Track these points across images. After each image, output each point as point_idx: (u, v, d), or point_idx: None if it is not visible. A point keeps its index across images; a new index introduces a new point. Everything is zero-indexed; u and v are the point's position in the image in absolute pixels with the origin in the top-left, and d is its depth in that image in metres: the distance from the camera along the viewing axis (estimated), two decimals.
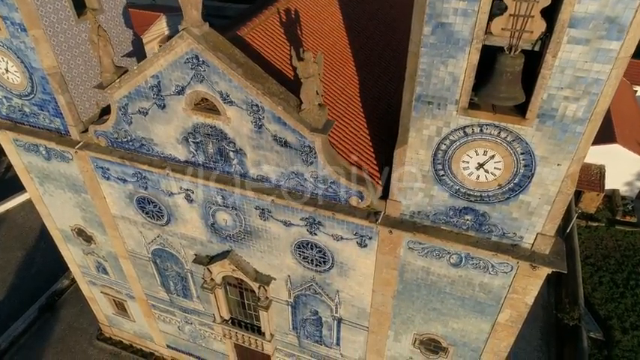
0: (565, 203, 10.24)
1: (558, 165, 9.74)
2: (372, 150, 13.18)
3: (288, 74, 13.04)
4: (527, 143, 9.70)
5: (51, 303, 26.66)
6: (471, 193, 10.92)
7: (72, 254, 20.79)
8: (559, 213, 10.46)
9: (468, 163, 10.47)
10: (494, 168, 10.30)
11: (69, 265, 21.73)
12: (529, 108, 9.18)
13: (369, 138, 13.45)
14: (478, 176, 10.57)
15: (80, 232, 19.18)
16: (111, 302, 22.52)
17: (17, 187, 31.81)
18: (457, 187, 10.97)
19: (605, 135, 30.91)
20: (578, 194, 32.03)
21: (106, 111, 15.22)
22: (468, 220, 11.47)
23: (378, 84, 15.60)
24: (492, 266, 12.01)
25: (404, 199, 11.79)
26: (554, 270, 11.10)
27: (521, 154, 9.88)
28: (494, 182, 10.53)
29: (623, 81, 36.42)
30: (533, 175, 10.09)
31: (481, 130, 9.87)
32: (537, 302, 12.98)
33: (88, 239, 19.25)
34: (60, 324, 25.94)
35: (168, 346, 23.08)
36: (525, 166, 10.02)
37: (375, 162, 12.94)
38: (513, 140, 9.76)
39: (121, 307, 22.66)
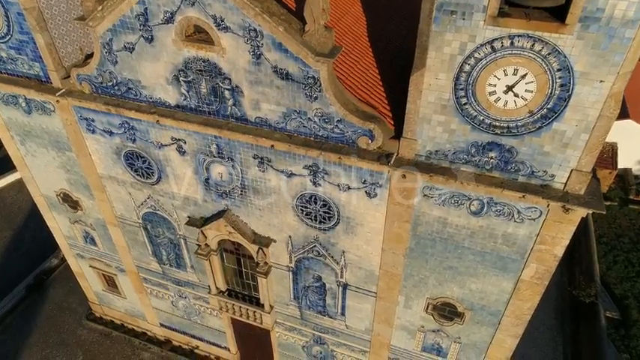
0: (606, 130, 8.97)
1: (601, 82, 8.48)
2: (382, 89, 11.93)
3: (290, 5, 11.76)
4: (565, 56, 8.43)
5: (39, 282, 25.40)
6: (497, 123, 9.65)
7: (58, 224, 19.50)
8: (598, 143, 9.19)
9: (494, 86, 9.20)
10: (526, 90, 9.03)
11: (55, 238, 20.43)
12: (570, 10, 7.91)
13: (378, 77, 12.19)
14: (506, 102, 9.30)
15: (66, 198, 17.88)
16: (100, 277, 21.23)
17: (6, 168, 30.64)
18: (481, 118, 9.70)
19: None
20: None
21: (90, 57, 13.91)
22: (492, 157, 10.19)
23: (389, 27, 14.31)
24: (518, 212, 10.73)
25: (420, 136, 10.52)
26: (590, 212, 9.84)
27: (558, 70, 8.62)
28: (524, 109, 9.26)
29: None
30: (570, 96, 8.82)
31: (512, 44, 8.60)
32: (550, 280, 11.77)
33: (75, 205, 17.95)
34: (48, 304, 24.67)
35: (161, 325, 21.80)
36: (562, 85, 8.75)
37: (385, 101, 11.68)
38: (549, 54, 8.49)
39: (111, 283, 21.37)
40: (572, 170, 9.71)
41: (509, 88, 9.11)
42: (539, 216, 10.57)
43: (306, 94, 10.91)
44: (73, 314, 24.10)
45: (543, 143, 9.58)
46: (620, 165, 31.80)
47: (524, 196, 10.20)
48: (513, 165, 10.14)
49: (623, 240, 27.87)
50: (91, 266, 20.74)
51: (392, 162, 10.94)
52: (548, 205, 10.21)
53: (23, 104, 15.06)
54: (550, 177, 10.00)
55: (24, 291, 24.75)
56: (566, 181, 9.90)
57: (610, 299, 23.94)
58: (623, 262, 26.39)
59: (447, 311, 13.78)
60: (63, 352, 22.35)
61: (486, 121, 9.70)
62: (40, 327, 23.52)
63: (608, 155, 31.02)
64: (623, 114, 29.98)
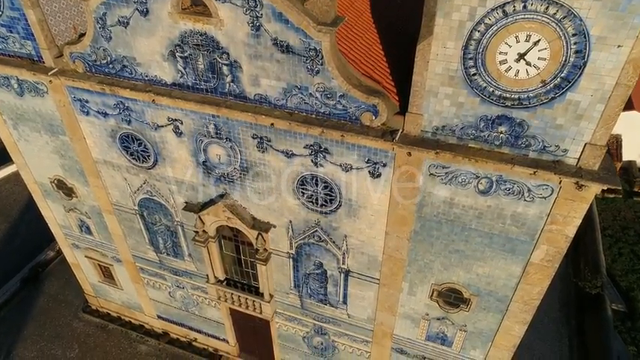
0: (623, 100, 8.54)
1: (619, 47, 8.04)
2: (386, 65, 11.50)
3: None
4: (581, 20, 7.99)
5: (34, 275, 24.96)
6: (508, 95, 9.20)
7: (53, 213, 19.04)
8: (614, 114, 8.75)
9: (505, 54, 8.77)
10: (538, 58, 8.59)
11: (50, 227, 19.99)
12: None
13: (382, 53, 11.76)
14: (518, 71, 8.86)
15: (60, 185, 17.42)
16: (96, 268, 20.78)
17: (2, 161, 30.18)
18: (491, 89, 9.26)
19: None
20: None
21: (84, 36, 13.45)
22: (501, 132, 9.75)
23: (393, 3, 13.88)
24: (528, 190, 10.29)
25: (426, 111, 10.07)
26: (605, 188, 9.40)
27: (573, 35, 8.18)
28: (536, 78, 8.82)
29: None
30: (585, 63, 8.38)
31: (524, 7, 8.16)
32: (555, 272, 11.35)
33: (69, 192, 17.50)
34: (43, 296, 24.22)
35: (158, 317, 21.35)
36: (577, 52, 8.31)
37: (390, 77, 11.24)
38: (564, 17, 8.05)
39: (107, 274, 20.92)
40: (586, 144, 9.27)
41: (521, 56, 8.68)
42: (551, 194, 10.13)
43: (307, 67, 10.47)
44: (69, 307, 23.65)
45: (556, 115, 9.14)
46: (625, 157, 31.40)
47: (535, 172, 9.76)
48: (524, 140, 9.70)
49: (628, 232, 27.45)
50: (86, 256, 20.29)
51: (397, 138, 10.50)
52: (560, 182, 9.77)
53: (15, 86, 14.61)
54: (562, 152, 9.56)
55: (19, 283, 24.31)
56: (580, 156, 9.46)
57: (616, 291, 23.51)
58: (629, 255, 25.96)
59: (452, 298, 13.34)
60: (58, 344, 21.90)
61: (496, 92, 9.26)
62: (36, 320, 23.06)
63: (612, 147, 30.58)
64: (628, 105, 29.55)
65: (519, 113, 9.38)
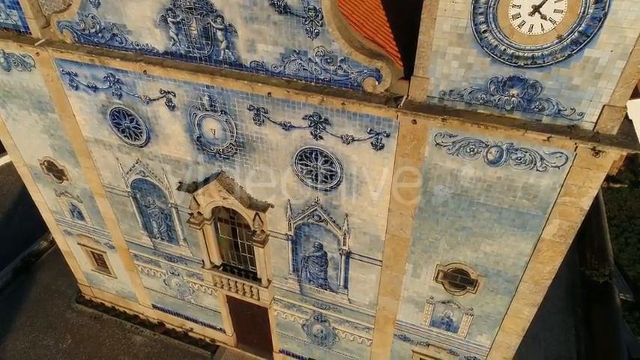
0: None
1: None
2: (389, 29, 10.90)
3: None
4: None
5: (27, 265, 24.32)
6: (521, 53, 8.60)
7: (43, 197, 18.42)
8: (636, 71, 8.16)
9: (519, 7, 8.16)
10: (554, 11, 7.99)
11: (41, 213, 19.38)
12: None
13: (386, 18, 11.15)
14: (532, 26, 8.26)
15: (50, 167, 16.81)
16: (89, 256, 20.16)
17: None
18: (502, 48, 8.65)
19: None
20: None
21: None
22: (513, 96, 9.15)
23: None
24: (541, 159, 9.69)
25: (432, 74, 9.47)
26: (625, 152, 8.81)
27: None
28: (552, 33, 8.22)
29: None
30: (606, 15, 7.78)
31: None
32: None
33: (60, 175, 16.88)
34: (36, 287, 23.59)
35: (154, 306, 20.74)
36: (596, 2, 7.71)
37: (393, 42, 10.64)
38: None
39: (100, 262, 20.31)
40: (604, 106, 8.67)
41: (536, 9, 8.07)
42: (565, 162, 9.53)
43: (306, 29, 9.87)
44: (62, 297, 23.02)
45: (572, 75, 8.54)
46: None
47: (549, 138, 9.16)
48: (537, 104, 9.10)
49: (634, 222, 26.84)
50: (79, 244, 19.67)
51: (401, 105, 9.90)
52: (575, 149, 9.18)
53: (1, 60, 13.99)
54: (578, 115, 8.96)
55: (11, 274, 23.66)
56: (597, 120, 8.87)
57: (623, 281, 22.92)
58: (636, 245, 25.36)
59: (458, 279, 12.74)
60: (51, 335, 21.28)
61: (508, 51, 8.65)
62: (28, 310, 22.44)
63: None
64: (635, 93, 28.92)
65: (533, 74, 8.78)
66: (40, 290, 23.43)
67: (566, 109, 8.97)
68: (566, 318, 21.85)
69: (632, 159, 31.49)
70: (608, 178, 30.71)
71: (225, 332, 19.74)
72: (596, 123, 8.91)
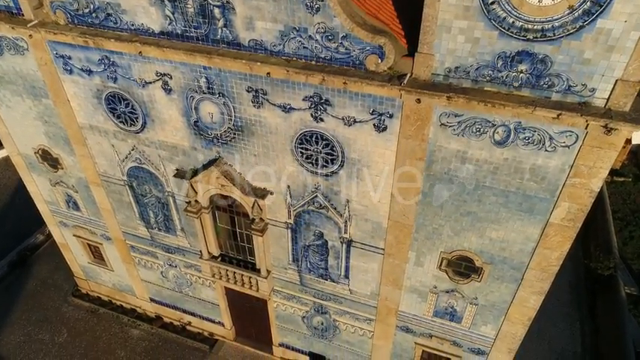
0: None
1: None
2: (392, 6, 10.54)
3: None
4: None
5: (23, 259, 23.99)
6: (530, 26, 8.25)
7: (38, 188, 18.06)
8: None
9: None
10: None
11: (36, 204, 19.02)
12: None
13: None
14: None
15: (45, 156, 16.45)
16: (85, 248, 19.81)
17: None
18: (511, 20, 8.31)
19: None
20: None
21: None
22: (521, 71, 8.80)
23: None
24: (550, 139, 9.34)
25: (437, 50, 9.12)
26: (638, 130, 8.46)
27: None
28: (563, 4, 7.87)
29: None
30: None
31: None
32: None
33: (55, 164, 16.53)
34: (32, 280, 23.24)
35: (151, 300, 20.39)
36: None
37: (397, 19, 10.29)
38: None
39: (97, 255, 19.97)
40: (617, 81, 8.32)
41: None
42: (575, 142, 9.19)
43: (306, 4, 9.52)
44: (58, 291, 22.68)
45: (584, 48, 8.19)
46: (635, 141, 30.45)
47: (559, 115, 8.82)
48: (547, 80, 8.75)
49: (638, 215, 26.53)
50: (75, 235, 19.31)
51: (405, 83, 9.55)
52: (586, 127, 8.83)
53: None
54: (590, 92, 8.62)
55: (6, 267, 23.31)
56: (609, 96, 8.52)
57: (628, 274, 22.58)
58: None
59: (463, 267, 12.40)
60: (46, 329, 20.93)
61: (517, 23, 8.31)
62: (23, 304, 22.08)
63: None
64: None
65: (542, 47, 8.43)
66: (36, 284, 23.08)
67: (576, 85, 8.63)
68: (571, 311, 21.51)
69: (635, 153, 31.21)
70: (612, 172, 30.39)
71: (223, 325, 19.40)
72: (608, 99, 8.56)
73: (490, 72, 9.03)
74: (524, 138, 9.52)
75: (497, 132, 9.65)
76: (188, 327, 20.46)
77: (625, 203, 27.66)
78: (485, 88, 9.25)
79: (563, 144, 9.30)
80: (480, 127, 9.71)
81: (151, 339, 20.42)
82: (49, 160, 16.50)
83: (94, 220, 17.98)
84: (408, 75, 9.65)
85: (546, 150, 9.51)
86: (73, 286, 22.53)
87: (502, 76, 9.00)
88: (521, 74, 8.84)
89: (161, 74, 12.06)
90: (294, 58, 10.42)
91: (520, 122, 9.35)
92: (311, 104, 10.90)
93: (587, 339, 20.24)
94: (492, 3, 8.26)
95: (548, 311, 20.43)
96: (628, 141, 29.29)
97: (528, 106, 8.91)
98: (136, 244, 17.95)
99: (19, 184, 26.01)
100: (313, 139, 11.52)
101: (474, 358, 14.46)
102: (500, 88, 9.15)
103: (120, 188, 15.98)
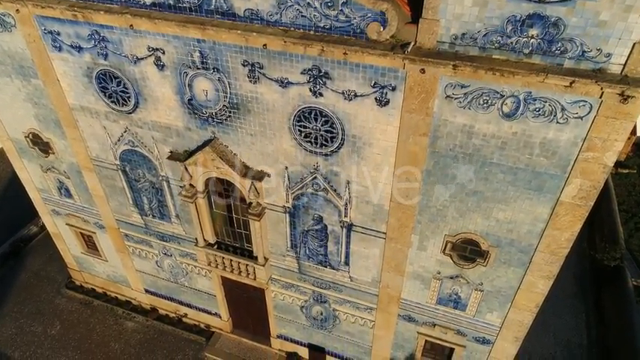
0: None
1: None
2: None
3: None
4: None
5: (16, 251, 23.49)
6: None
7: (29, 174, 17.56)
8: None
9: None
10: None
11: (28, 192, 18.53)
12: None
13: None
14: None
15: (36, 140, 15.96)
16: (78, 237, 19.31)
17: None
18: None
19: None
20: None
21: None
22: (532, 36, 8.30)
23: None
24: (562, 110, 8.84)
25: (443, 15, 8.62)
26: None
27: None
28: None
29: None
30: None
31: None
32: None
33: (46, 149, 16.03)
34: (25, 272, 22.75)
35: (146, 291, 19.89)
36: None
37: None
38: None
39: (90, 244, 19.47)
40: (634, 44, 7.82)
41: None
42: (589, 112, 8.69)
43: None
44: (52, 283, 22.18)
45: (600, 9, 7.69)
46: (639, 133, 29.99)
47: (571, 83, 8.32)
48: (559, 45, 8.25)
49: None
50: (67, 224, 18.81)
51: (408, 51, 9.05)
52: (601, 95, 8.33)
53: None
54: (605, 57, 8.12)
55: None
56: (626, 61, 8.02)
57: (635, 266, 22.09)
58: None
59: (468, 251, 11.90)
60: (39, 321, 20.42)
61: None
62: (16, 296, 21.59)
63: None
64: None
65: (555, 9, 7.93)
66: (29, 276, 22.58)
67: (591, 50, 8.13)
68: (576, 303, 21.04)
69: (639, 144, 30.73)
70: (617, 164, 29.89)
71: (220, 317, 18.89)
72: (624, 65, 8.06)
73: (499, 38, 8.53)
74: (535, 109, 9.02)
75: (506, 103, 9.15)
76: (184, 319, 19.96)
77: (630, 195, 27.16)
78: (494, 56, 8.75)
79: (575, 115, 8.80)
80: (487, 98, 9.21)
81: (146, 331, 19.92)
82: (40, 144, 16.00)
83: (86, 207, 17.49)
84: (412, 43, 9.14)
85: (558, 122, 9.01)
86: (67, 277, 22.04)
87: (512, 43, 8.49)
88: (532, 40, 8.34)
89: (153, 49, 11.56)
90: (292, 28, 9.92)
91: (530, 92, 8.85)
92: (310, 78, 10.39)
93: (592, 331, 19.76)
94: None
95: (553, 303, 19.92)
96: (632, 132, 28.81)
97: (539, 74, 8.41)
98: (130, 233, 17.45)
99: (12, 175, 25.52)
100: (312, 115, 11.02)
101: (478, 347, 13.97)
102: (509, 55, 8.65)
103: (112, 173, 15.48)
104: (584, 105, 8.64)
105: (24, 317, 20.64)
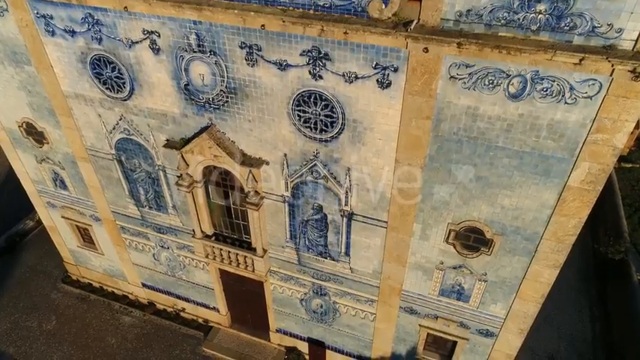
0: None
1: None
2: None
3: None
4: None
5: (11, 245, 23.17)
6: None
7: (24, 166, 17.26)
8: None
9: None
10: None
11: (23, 184, 18.23)
12: None
13: None
14: None
15: (30, 130, 15.64)
16: (74, 230, 19.00)
17: None
18: None
19: None
20: None
21: None
22: (540, 12, 7.99)
23: None
24: (570, 89, 8.53)
25: None
26: None
27: None
28: None
29: None
30: None
31: None
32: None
33: (40, 138, 15.72)
34: (20, 267, 22.44)
35: (143, 285, 19.58)
36: None
37: None
38: None
39: (86, 237, 19.17)
40: None
41: None
42: (598, 91, 8.38)
43: None
44: (48, 278, 21.88)
45: None
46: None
47: (581, 60, 8.02)
48: (568, 21, 7.94)
49: None
50: (63, 217, 18.51)
51: (411, 29, 8.74)
52: (612, 73, 8.02)
53: None
54: (616, 33, 7.80)
55: None
56: (639, 36, 7.71)
57: (639, 260, 21.76)
58: None
59: (471, 239, 11.59)
60: (34, 316, 20.11)
61: None
62: (11, 291, 21.28)
63: None
64: None
65: None
66: (25, 270, 22.27)
67: (601, 26, 7.81)
68: (580, 297, 20.74)
69: None
70: (620, 159, 29.60)
71: (218, 311, 18.59)
72: (637, 40, 7.75)
73: (505, 14, 8.22)
74: (542, 89, 8.70)
75: (512, 83, 8.84)
76: (182, 313, 19.66)
77: (634, 189, 26.85)
78: (500, 34, 8.44)
79: (584, 94, 8.49)
80: (493, 78, 8.90)
81: (143, 326, 19.62)
82: (34, 134, 15.69)
83: (82, 199, 17.17)
84: (415, 21, 8.83)
85: (566, 102, 8.70)
86: (63, 272, 21.74)
87: (519, 19, 8.18)
88: (540, 15, 8.03)
89: (148, 32, 11.25)
90: (291, 8, 9.61)
91: (537, 71, 8.54)
92: (309, 59, 10.08)
93: (597, 325, 19.45)
94: None
95: (556, 297, 19.63)
96: (636, 126, 28.52)
97: (547, 51, 8.10)
98: (127, 225, 17.14)
99: (8, 170, 25.23)
100: (311, 100, 10.71)
101: (482, 340, 13.66)
102: (516, 32, 8.34)
103: (108, 163, 15.17)
104: (593, 84, 8.33)
105: (19, 312, 20.33)
